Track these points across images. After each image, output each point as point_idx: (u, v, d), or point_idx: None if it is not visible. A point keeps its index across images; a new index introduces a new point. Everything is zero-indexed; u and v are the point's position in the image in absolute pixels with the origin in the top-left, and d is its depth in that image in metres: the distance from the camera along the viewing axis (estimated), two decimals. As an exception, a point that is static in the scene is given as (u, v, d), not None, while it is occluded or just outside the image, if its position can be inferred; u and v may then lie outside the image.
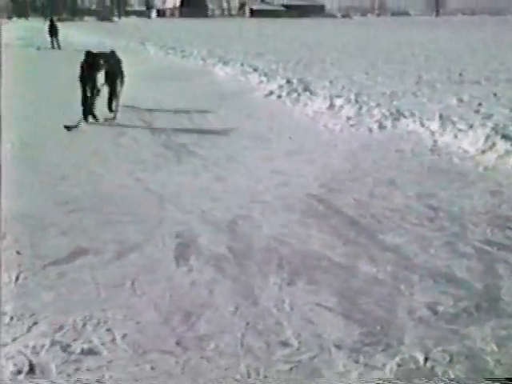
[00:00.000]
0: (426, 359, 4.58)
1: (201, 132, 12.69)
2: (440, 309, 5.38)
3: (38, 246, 6.64)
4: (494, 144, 9.48)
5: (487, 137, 9.73)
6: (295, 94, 15.81)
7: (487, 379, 3.32)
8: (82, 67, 13.63)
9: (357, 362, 4.58)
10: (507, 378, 3.29)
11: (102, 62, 14.02)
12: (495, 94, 14.22)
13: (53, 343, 4.73)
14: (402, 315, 5.31)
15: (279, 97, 16.04)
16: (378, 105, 13.30)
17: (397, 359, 4.57)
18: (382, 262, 6.33)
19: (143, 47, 36.36)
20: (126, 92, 14.82)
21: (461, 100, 13.60)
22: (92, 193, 8.54)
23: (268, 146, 11.36)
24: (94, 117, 13.80)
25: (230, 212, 7.83)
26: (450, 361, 4.55)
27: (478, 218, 7.34)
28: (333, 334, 4.98)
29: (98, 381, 4.03)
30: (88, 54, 13.86)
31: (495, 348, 4.69)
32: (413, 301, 5.57)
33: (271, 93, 16.56)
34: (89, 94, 13.61)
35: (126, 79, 14.87)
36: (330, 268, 6.24)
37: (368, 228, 7.25)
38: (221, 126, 13.21)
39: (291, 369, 4.49)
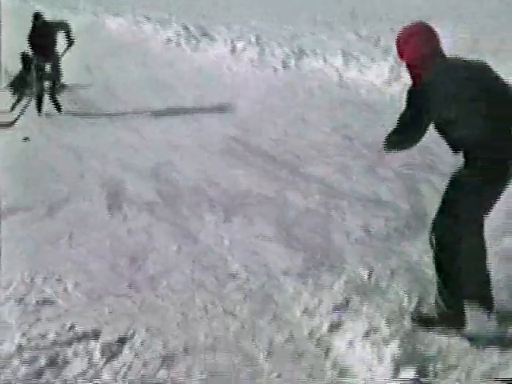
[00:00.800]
0: (370, 275, 4.83)
1: (101, 85, 12.38)
2: (373, 230, 5.66)
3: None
4: (399, 75, 9.80)
5: (391, 68, 10.05)
6: (194, 41, 15.65)
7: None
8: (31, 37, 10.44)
9: (305, 284, 4.77)
10: None
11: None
12: (392, 29, 14.54)
13: (6, 298, 4.69)
14: (338, 239, 5.56)
15: (178, 44, 15.83)
16: (280, 45, 13.38)
17: (343, 277, 4.80)
18: (310, 193, 6.55)
19: (26, 4, 34.75)
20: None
21: (359, 36, 13.89)
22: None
23: (174, 94, 11.29)
24: (59, 107, 10.68)
25: (150, 160, 7.83)
26: (392, 274, 4.82)
27: (394, 144, 7.63)
28: (278, 262, 5.16)
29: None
30: (37, 16, 10.56)
31: (430, 260, 4.99)
32: (346, 225, 5.82)
33: (169, 40, 16.31)
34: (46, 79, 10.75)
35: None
36: (262, 203, 6.40)
37: (290, 164, 7.44)
38: (121, 79, 12.91)
39: (245, 298, 4.64)
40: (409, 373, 3.67)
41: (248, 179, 7.00)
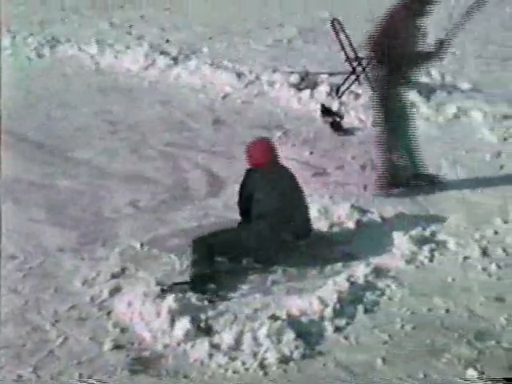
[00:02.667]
0: (142, 245, 5.30)
1: None
2: (141, 204, 6.12)
3: None
4: (154, 61, 10.23)
5: (146, 55, 10.44)
6: None
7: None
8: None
9: (82, 258, 5.15)
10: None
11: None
12: (142, 17, 14.94)
13: None
14: (109, 215, 5.95)
15: None
16: (31, 34, 13.15)
17: (117, 249, 5.23)
18: (78, 176, 6.80)
19: None
20: None
21: (112, 24, 14.10)
22: None
23: None
24: None
25: None
26: (163, 241, 5.32)
27: (155, 125, 8.08)
28: (53, 242, 5.46)
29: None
30: None
31: (196, 225, 5.60)
32: (115, 202, 6.20)
33: None
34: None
35: None
36: (31, 188, 6.53)
37: (56, 148, 7.57)
38: None
39: (24, 276, 4.90)
40: (183, 322, 4.19)
41: (15, 166, 7.05)
